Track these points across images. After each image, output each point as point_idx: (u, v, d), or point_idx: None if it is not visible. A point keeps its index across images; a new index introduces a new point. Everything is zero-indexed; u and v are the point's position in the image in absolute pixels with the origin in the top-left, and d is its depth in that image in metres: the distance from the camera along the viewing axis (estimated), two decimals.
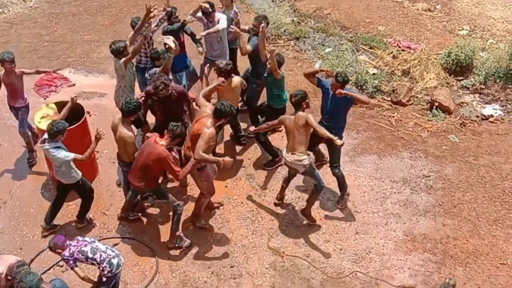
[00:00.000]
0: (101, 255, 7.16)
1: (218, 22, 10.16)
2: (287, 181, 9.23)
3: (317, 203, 9.31)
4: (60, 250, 7.13)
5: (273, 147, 9.98)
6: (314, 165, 8.94)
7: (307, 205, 8.96)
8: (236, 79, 9.40)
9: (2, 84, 9.55)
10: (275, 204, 9.34)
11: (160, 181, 8.72)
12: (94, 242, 7.29)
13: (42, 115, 9.31)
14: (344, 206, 9.32)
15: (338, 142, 8.36)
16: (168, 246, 8.64)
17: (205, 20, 10.31)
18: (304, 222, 9.09)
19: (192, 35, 10.47)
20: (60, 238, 7.22)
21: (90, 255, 7.12)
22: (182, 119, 9.08)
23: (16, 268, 6.77)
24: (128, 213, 8.98)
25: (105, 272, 7.23)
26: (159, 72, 8.97)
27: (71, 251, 7.11)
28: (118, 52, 9.11)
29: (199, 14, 10.26)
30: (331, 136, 8.35)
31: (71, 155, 8.19)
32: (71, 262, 7.14)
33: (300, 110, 8.57)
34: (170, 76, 9.34)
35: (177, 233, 8.64)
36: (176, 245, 8.65)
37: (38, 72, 10.21)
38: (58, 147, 8.19)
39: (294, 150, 8.54)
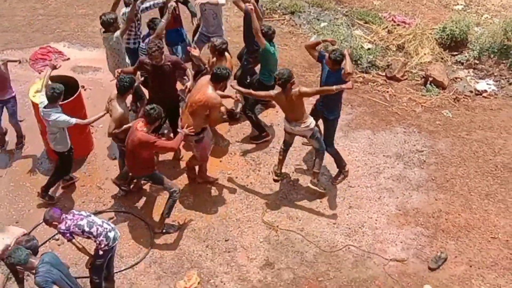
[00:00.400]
0: (97, 228, 7.16)
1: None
2: (284, 153, 9.19)
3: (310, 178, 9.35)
4: (56, 223, 7.10)
5: (260, 123, 9.98)
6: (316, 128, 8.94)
7: (315, 173, 8.94)
8: (228, 57, 9.32)
9: None
10: (275, 180, 9.32)
11: (155, 167, 8.51)
12: (90, 216, 7.28)
13: (36, 90, 9.24)
14: (339, 182, 9.32)
15: (349, 85, 8.33)
16: (155, 231, 8.60)
17: None
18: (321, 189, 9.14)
19: (186, 2, 10.27)
20: (56, 211, 7.19)
21: (86, 229, 7.11)
22: (175, 93, 9.06)
23: (26, 243, 6.87)
24: (121, 182, 8.97)
25: (102, 246, 7.23)
26: (153, 39, 8.92)
27: (67, 225, 7.09)
28: (108, 24, 9.03)
29: None
30: (332, 88, 8.27)
31: (73, 119, 8.24)
32: (67, 235, 7.13)
33: (286, 90, 8.44)
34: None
35: (166, 220, 8.61)
36: (164, 231, 8.62)
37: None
38: (59, 112, 8.20)
39: (297, 120, 8.56)
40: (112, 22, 9.04)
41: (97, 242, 7.20)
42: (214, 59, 9.27)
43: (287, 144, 9.12)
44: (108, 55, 9.39)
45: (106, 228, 7.23)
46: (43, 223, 7.42)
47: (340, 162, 9.30)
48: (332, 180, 9.38)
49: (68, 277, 6.96)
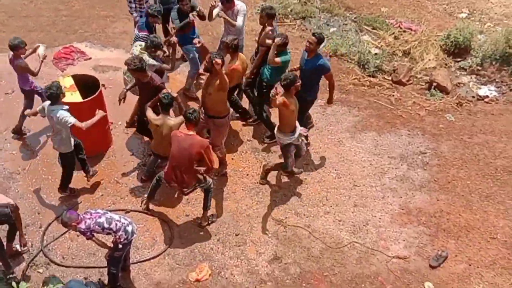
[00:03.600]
0: (116, 224, 7.12)
1: (237, 14, 9.83)
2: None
3: (319, 177, 9.31)
4: (74, 224, 6.99)
5: (272, 123, 9.88)
6: None
7: (271, 169, 9.05)
8: (242, 56, 9.26)
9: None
10: (261, 183, 9.21)
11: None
12: (107, 213, 7.23)
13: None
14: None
15: None
16: (203, 224, 8.55)
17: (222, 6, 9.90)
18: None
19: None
20: (72, 213, 7.10)
21: (106, 225, 7.06)
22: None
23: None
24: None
25: (122, 240, 7.20)
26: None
27: (87, 224, 7.00)
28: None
29: None
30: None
31: (72, 119, 8.00)
32: (88, 234, 7.06)
33: (288, 93, 8.26)
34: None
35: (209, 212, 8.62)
36: (210, 222, 8.61)
37: None
38: (65, 109, 8.04)
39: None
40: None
41: (117, 236, 7.15)
42: (228, 57, 9.19)
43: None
44: None
45: (124, 223, 7.20)
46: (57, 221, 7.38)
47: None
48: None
49: None
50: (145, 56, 8.92)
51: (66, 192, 8.87)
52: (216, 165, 8.50)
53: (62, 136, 8.23)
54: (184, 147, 7.77)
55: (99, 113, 8.25)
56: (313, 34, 8.86)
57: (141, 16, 10.44)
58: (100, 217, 7.09)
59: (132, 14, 10.90)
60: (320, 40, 8.82)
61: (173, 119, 8.39)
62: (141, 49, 9.14)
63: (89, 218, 7.05)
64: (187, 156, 7.80)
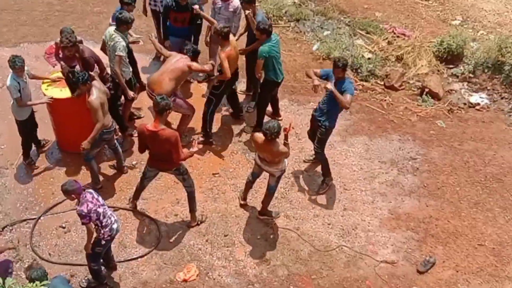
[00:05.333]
0: (107, 220, 7.09)
1: (235, 7, 9.83)
2: (250, 184, 8.80)
3: (309, 180, 9.30)
4: (74, 196, 6.92)
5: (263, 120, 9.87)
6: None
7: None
8: (233, 41, 9.23)
9: None
10: (241, 205, 8.94)
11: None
12: (104, 205, 7.16)
13: (48, 82, 9.19)
14: (323, 193, 9.16)
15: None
16: (192, 225, 8.52)
17: None
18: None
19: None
20: (77, 184, 6.95)
21: (101, 218, 6.99)
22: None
23: None
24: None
25: (105, 236, 7.17)
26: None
27: (88, 208, 6.87)
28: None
29: None
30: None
31: (18, 94, 8.41)
32: (86, 219, 6.91)
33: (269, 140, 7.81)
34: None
35: (196, 213, 8.56)
36: (199, 223, 8.58)
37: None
38: (15, 79, 8.40)
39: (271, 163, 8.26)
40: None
41: (102, 232, 7.11)
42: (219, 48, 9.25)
43: (255, 176, 8.68)
44: None
45: (112, 220, 7.18)
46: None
47: (326, 171, 9.15)
48: (317, 190, 9.21)
49: None
50: (118, 40, 9.00)
51: (29, 158, 9.17)
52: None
53: (13, 102, 8.64)
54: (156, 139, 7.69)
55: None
56: (335, 62, 8.35)
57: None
58: (99, 207, 6.99)
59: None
60: (344, 65, 8.38)
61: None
62: (113, 30, 9.15)
63: (91, 202, 6.91)
64: (165, 150, 7.73)
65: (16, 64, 8.34)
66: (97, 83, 8.38)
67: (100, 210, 7.01)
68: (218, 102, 9.65)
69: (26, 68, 8.62)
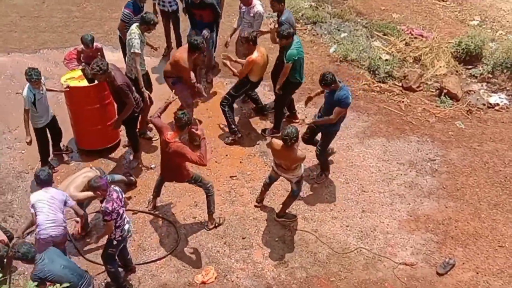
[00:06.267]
0: (121, 221, 7.19)
1: (255, 12, 10.00)
2: (267, 186, 8.88)
3: (327, 182, 9.32)
4: (100, 193, 7.05)
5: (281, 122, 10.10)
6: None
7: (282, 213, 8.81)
8: (263, 49, 9.41)
9: None
10: (256, 206, 9.01)
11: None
12: (123, 207, 7.26)
13: (68, 76, 9.38)
14: (320, 182, 9.26)
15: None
16: (209, 227, 8.57)
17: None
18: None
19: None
20: (104, 181, 7.05)
21: (118, 219, 7.08)
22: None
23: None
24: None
25: (117, 236, 7.27)
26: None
27: (113, 207, 6.96)
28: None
29: None
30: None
31: (29, 104, 8.56)
32: (109, 216, 6.98)
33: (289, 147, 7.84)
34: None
35: (214, 215, 8.59)
36: (216, 225, 8.62)
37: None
38: (30, 90, 8.55)
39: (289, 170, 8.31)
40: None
41: (114, 232, 7.21)
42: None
43: (272, 179, 8.73)
44: None
45: (124, 221, 7.29)
46: None
47: (326, 167, 9.31)
48: (315, 180, 9.32)
49: (71, 269, 6.90)
50: (134, 36, 9.17)
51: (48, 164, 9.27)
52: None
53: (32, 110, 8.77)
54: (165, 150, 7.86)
55: None
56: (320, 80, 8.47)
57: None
58: (121, 208, 7.11)
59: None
60: (327, 83, 8.39)
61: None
62: (135, 26, 9.31)
63: (115, 202, 7.01)
64: (173, 163, 7.95)
65: (32, 78, 8.44)
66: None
67: (121, 211, 7.12)
68: (233, 102, 9.87)
69: (42, 79, 8.75)
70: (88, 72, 8.84)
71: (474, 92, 11.35)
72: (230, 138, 9.97)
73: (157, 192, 8.74)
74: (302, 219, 8.78)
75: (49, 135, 9.27)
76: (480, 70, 11.73)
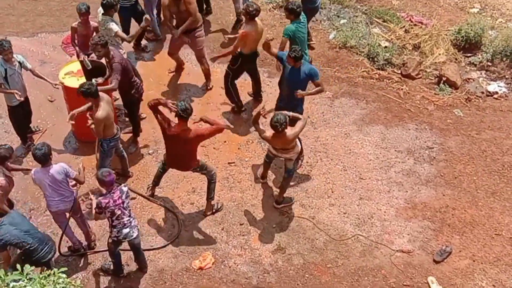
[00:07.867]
0: (119, 222, 7.16)
1: None
2: (268, 164, 9.00)
3: (325, 169, 9.31)
4: (103, 188, 7.03)
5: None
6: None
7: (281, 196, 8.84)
8: (259, 24, 9.41)
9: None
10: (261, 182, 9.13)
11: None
12: (127, 208, 7.21)
13: (66, 72, 9.27)
14: (298, 167, 9.17)
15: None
16: (207, 214, 8.58)
17: None
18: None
19: None
20: (111, 177, 6.97)
21: (113, 218, 7.10)
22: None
23: None
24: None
25: (112, 235, 7.29)
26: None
27: (107, 205, 6.94)
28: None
29: None
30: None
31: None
32: (99, 210, 6.98)
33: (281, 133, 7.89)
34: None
35: (212, 202, 8.59)
36: (214, 211, 8.63)
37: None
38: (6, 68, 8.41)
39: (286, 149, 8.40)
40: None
41: (110, 230, 7.26)
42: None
43: (270, 158, 8.78)
44: None
45: (125, 224, 7.22)
46: None
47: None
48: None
49: (32, 233, 6.92)
50: (108, 22, 9.28)
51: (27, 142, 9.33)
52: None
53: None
54: (180, 139, 7.77)
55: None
56: (289, 54, 8.42)
57: None
58: (119, 209, 7.04)
59: None
60: (298, 58, 8.41)
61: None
62: (102, 14, 9.37)
63: (113, 201, 6.97)
64: (188, 149, 7.91)
65: (4, 46, 8.23)
66: (104, 95, 8.11)
67: (119, 212, 7.07)
68: (235, 76, 9.90)
69: (22, 59, 8.65)
70: (88, 63, 8.79)
71: (473, 80, 11.33)
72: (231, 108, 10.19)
73: (156, 182, 8.71)
74: (299, 205, 8.80)
75: None
76: (479, 58, 11.69)
